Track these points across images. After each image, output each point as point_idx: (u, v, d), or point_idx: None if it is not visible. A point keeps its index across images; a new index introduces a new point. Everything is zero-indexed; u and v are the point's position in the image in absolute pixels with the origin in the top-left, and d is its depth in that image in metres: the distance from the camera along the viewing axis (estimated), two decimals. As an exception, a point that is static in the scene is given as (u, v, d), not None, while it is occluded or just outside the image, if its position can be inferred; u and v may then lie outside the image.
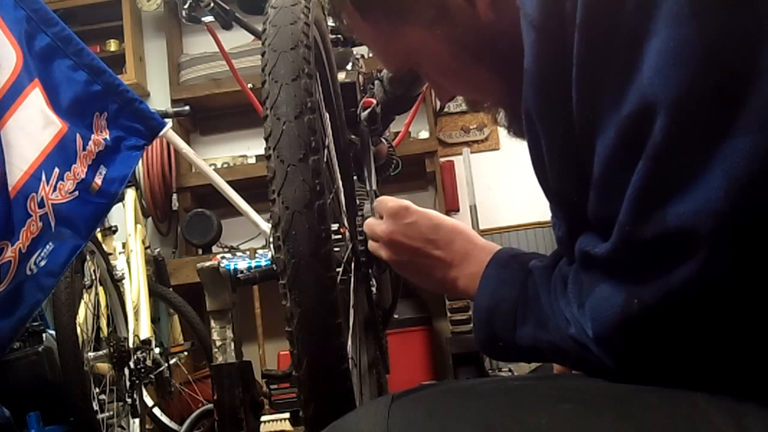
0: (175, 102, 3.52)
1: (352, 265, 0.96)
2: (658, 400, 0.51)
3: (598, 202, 0.55)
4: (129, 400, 2.11)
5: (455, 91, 0.75)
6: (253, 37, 1.80)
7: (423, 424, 0.53)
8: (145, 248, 2.53)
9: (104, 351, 2.08)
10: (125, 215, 2.50)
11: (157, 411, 2.60)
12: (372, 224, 0.85)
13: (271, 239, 0.69)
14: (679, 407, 0.50)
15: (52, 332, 1.91)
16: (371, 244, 0.86)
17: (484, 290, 0.73)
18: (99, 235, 2.26)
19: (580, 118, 0.53)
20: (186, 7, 1.55)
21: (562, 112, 0.54)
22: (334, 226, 0.94)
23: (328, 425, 0.58)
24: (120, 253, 2.41)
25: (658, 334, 0.51)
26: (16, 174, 1.41)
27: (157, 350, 2.32)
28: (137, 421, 2.19)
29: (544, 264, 0.69)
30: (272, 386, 2.65)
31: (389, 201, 0.83)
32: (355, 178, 1.31)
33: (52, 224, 1.47)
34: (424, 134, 3.61)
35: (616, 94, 0.50)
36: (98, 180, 1.61)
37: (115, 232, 2.41)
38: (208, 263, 1.18)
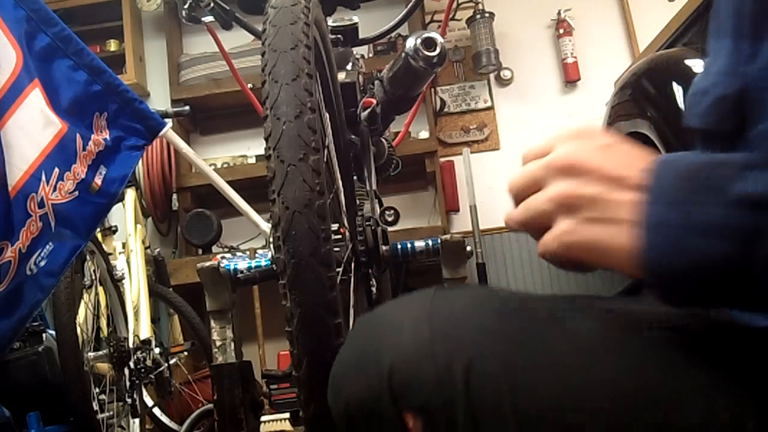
0: (175, 102, 3.52)
1: (352, 265, 0.96)
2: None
3: None
4: (129, 400, 2.11)
5: None
6: (253, 37, 1.80)
7: (464, 315, 0.53)
8: (145, 248, 2.53)
9: (104, 351, 2.08)
10: (125, 215, 2.50)
11: (157, 411, 2.60)
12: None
13: (271, 239, 0.69)
14: None
15: (52, 332, 1.91)
16: (533, 199, 0.54)
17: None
18: (99, 235, 2.26)
19: None
20: (186, 7, 1.55)
21: None
22: (334, 226, 0.94)
23: (328, 425, 0.58)
24: (120, 253, 2.41)
25: None
26: (16, 174, 1.41)
27: (157, 350, 2.31)
28: (137, 421, 2.19)
29: None
30: (272, 386, 2.65)
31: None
32: (355, 178, 1.31)
33: (52, 224, 1.47)
34: (424, 134, 3.61)
35: None
36: (98, 180, 1.61)
37: (115, 232, 2.41)
38: (208, 263, 1.18)
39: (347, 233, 0.99)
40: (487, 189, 3.56)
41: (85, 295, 2.05)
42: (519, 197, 0.55)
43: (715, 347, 0.51)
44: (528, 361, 0.50)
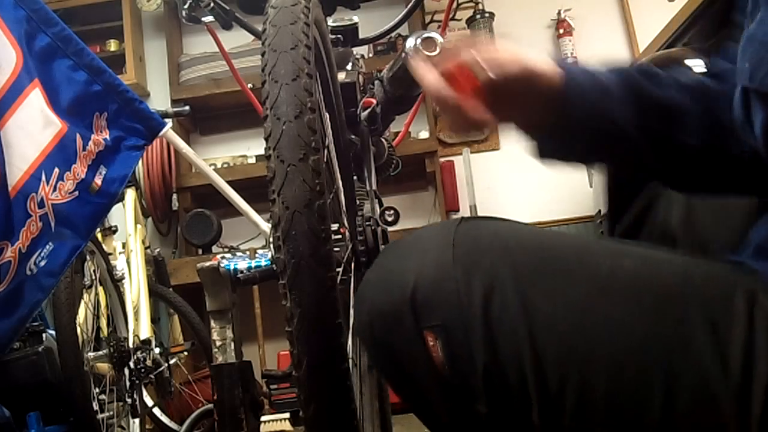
0: (175, 102, 3.52)
1: (352, 265, 0.96)
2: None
3: None
4: (129, 400, 2.11)
5: None
6: (253, 37, 1.80)
7: (488, 244, 0.55)
8: (145, 248, 2.53)
9: (104, 351, 2.08)
10: (125, 215, 2.50)
11: (157, 411, 2.60)
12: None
13: (271, 239, 0.69)
14: None
15: (52, 332, 1.91)
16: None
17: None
18: (99, 235, 2.26)
19: None
20: (186, 7, 1.55)
21: None
22: (334, 226, 0.94)
23: (328, 425, 0.59)
24: (120, 253, 2.41)
25: None
26: (16, 174, 1.41)
27: (157, 350, 2.31)
28: (137, 421, 2.19)
29: None
30: (272, 386, 2.65)
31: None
32: (355, 178, 1.31)
33: (52, 224, 1.47)
34: (424, 134, 3.61)
35: None
36: (98, 180, 1.61)
37: (115, 232, 2.41)
38: (208, 263, 1.18)
39: (347, 233, 0.99)
40: (487, 189, 3.56)
41: (85, 295, 2.05)
42: None
43: (731, 299, 0.51)
44: (546, 295, 0.52)
